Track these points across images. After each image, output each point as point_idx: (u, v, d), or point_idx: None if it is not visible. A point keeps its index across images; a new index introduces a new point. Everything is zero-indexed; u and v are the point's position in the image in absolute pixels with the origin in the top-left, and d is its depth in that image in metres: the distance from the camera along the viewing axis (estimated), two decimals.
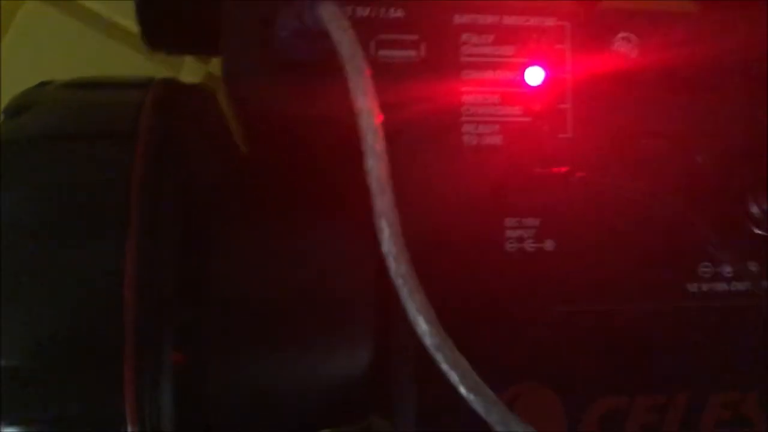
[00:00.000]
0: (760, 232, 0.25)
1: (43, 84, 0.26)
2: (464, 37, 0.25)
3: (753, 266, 0.25)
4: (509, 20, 0.25)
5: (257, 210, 0.26)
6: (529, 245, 0.25)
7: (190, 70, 0.35)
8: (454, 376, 0.21)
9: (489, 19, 0.25)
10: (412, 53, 0.25)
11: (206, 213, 0.25)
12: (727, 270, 0.25)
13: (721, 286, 0.25)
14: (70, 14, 0.35)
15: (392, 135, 0.23)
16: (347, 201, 0.26)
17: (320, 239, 0.26)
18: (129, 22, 0.34)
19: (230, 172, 0.26)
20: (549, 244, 0.25)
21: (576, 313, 0.25)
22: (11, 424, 0.22)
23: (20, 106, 0.25)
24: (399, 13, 0.25)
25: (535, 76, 0.25)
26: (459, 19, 0.25)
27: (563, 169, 0.24)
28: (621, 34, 0.25)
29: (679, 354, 0.25)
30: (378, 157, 0.21)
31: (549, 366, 0.25)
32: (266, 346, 0.25)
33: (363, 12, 0.24)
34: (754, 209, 0.25)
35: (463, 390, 0.21)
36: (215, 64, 0.34)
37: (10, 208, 0.23)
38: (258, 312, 0.25)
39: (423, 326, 0.21)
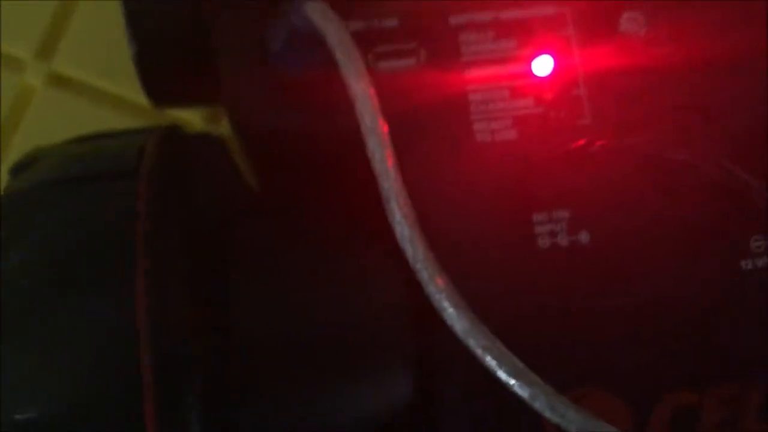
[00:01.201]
0: None
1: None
2: (463, 37, 0.24)
3: None
4: (507, 14, 0.24)
5: (273, 243, 0.25)
6: (563, 239, 0.23)
7: None
8: (490, 361, 0.19)
9: (486, 15, 0.24)
10: (411, 61, 0.24)
11: (219, 250, 0.24)
12: None
13: None
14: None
15: (403, 144, 0.22)
16: (367, 223, 0.25)
17: (342, 267, 0.24)
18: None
19: (241, 209, 0.25)
20: (584, 236, 0.23)
21: (622, 307, 0.23)
22: None
23: (23, 164, 0.25)
24: (393, 23, 0.24)
25: (543, 65, 0.24)
26: (455, 19, 0.24)
27: (581, 142, 0.23)
28: (626, 15, 0.24)
29: (743, 337, 0.23)
30: (379, 138, 0.20)
31: (602, 366, 0.23)
32: (296, 388, 0.23)
33: (357, 26, 0.24)
34: None
35: (502, 375, 0.19)
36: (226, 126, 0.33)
37: (17, 261, 0.22)
38: (284, 353, 0.23)
39: (449, 310, 0.19)
